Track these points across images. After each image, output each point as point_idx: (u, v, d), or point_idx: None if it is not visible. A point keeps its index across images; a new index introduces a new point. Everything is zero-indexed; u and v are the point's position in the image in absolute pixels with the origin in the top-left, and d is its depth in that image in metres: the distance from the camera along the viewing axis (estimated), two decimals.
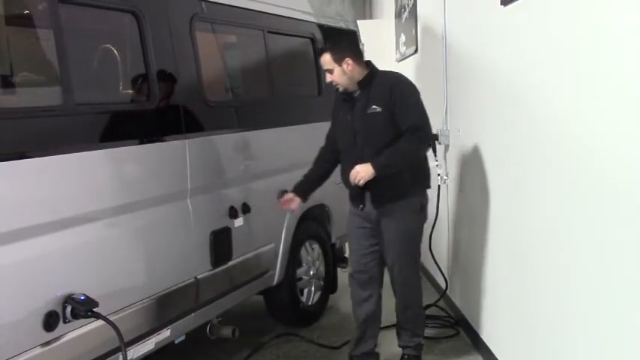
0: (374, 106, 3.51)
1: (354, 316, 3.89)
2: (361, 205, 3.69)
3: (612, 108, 2.32)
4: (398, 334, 3.91)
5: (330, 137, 3.85)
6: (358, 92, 3.59)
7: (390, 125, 3.50)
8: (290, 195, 3.80)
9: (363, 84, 3.57)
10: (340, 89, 3.63)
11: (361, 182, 3.49)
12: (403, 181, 3.56)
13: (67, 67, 2.68)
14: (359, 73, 3.57)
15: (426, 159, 3.73)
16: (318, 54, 3.65)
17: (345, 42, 3.66)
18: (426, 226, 3.82)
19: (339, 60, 3.53)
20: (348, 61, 3.52)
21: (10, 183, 2.43)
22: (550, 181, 2.89)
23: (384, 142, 3.49)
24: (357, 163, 3.51)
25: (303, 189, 3.83)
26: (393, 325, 4.03)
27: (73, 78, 2.71)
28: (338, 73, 3.54)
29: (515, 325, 3.44)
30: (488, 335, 3.95)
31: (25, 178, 2.49)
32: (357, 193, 3.66)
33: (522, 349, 3.34)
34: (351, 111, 3.61)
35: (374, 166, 3.46)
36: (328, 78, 3.62)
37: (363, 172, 3.47)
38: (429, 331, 4.47)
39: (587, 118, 2.52)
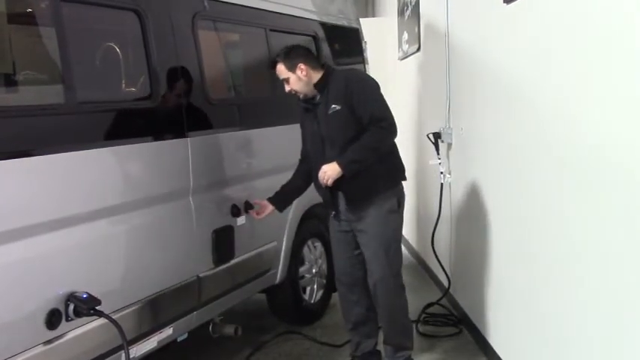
0: (333, 106, 3.47)
1: (344, 319, 3.88)
2: (333, 212, 3.67)
3: (618, 106, 2.32)
4: (384, 349, 3.80)
5: (304, 150, 3.81)
6: (318, 97, 3.56)
7: (352, 122, 3.45)
8: (264, 202, 3.73)
9: (321, 86, 3.53)
10: (301, 96, 3.58)
11: (329, 182, 3.45)
12: (375, 176, 3.51)
13: (70, 66, 2.68)
14: (315, 77, 3.53)
15: (395, 151, 3.65)
16: (271, 67, 3.62)
17: (296, 49, 3.59)
18: (428, 224, 3.81)
19: (292, 67, 3.50)
20: (301, 66, 3.49)
21: (13, 181, 2.44)
22: (554, 178, 2.88)
23: (348, 140, 3.45)
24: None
25: (279, 199, 3.78)
26: None
27: (76, 76, 2.72)
28: (294, 80, 3.51)
29: (518, 323, 3.44)
30: (491, 333, 3.95)
31: (28, 177, 2.49)
32: (329, 199, 3.63)
33: (526, 348, 3.34)
34: (316, 117, 3.57)
35: (340, 164, 3.42)
36: (286, 88, 3.56)
37: (329, 172, 3.43)
38: (431, 329, 4.48)
39: (591, 116, 2.51)
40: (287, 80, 3.54)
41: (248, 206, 3.73)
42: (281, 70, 3.54)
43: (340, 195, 3.59)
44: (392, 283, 3.63)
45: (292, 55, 3.53)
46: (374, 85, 3.57)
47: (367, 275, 3.69)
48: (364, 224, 3.58)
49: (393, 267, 3.63)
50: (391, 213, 3.60)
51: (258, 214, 3.73)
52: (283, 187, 3.80)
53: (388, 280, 3.61)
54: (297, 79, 3.51)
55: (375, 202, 3.54)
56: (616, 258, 2.35)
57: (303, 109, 3.67)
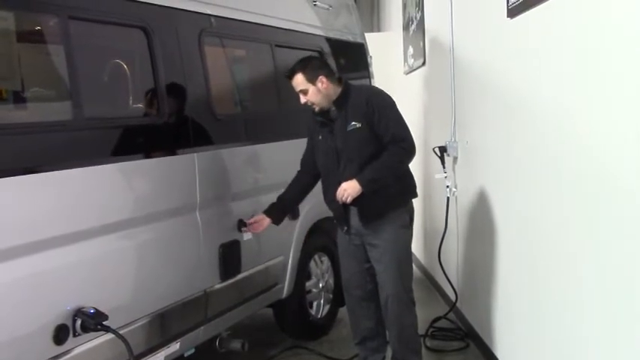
0: (353, 123, 3.46)
1: (353, 333, 3.87)
2: (345, 227, 3.66)
3: (623, 119, 2.32)
4: None
5: (306, 161, 3.77)
6: (335, 112, 3.53)
7: (372, 139, 3.46)
8: (260, 216, 3.67)
9: (340, 103, 3.51)
10: (316, 109, 3.54)
11: (349, 200, 3.45)
12: (389, 193, 3.52)
13: (77, 83, 2.71)
14: (334, 91, 3.51)
15: (409, 169, 3.66)
16: (288, 77, 3.52)
17: (316, 60, 3.56)
18: (435, 237, 3.81)
19: (312, 79, 3.46)
20: (322, 79, 3.46)
21: (21, 197, 2.46)
22: (561, 191, 2.88)
23: (366, 157, 3.45)
24: (341, 182, 3.47)
25: (277, 211, 3.72)
26: None
27: (83, 93, 2.75)
28: (313, 92, 3.47)
29: (525, 337, 3.43)
30: (498, 347, 3.93)
31: (36, 192, 2.51)
32: (341, 215, 3.63)
33: None
34: (331, 132, 3.54)
35: (360, 182, 3.42)
36: (302, 99, 3.51)
37: (350, 189, 3.42)
38: (439, 343, 4.47)
39: (598, 129, 2.51)
40: (305, 92, 3.49)
41: (242, 224, 3.66)
42: (300, 80, 3.49)
43: (353, 211, 3.58)
44: (404, 298, 3.64)
45: (313, 67, 3.51)
46: (393, 104, 3.58)
47: (379, 289, 3.68)
48: (377, 239, 3.58)
49: (405, 281, 3.64)
50: (403, 228, 3.62)
51: (254, 229, 3.66)
52: (280, 198, 3.76)
53: (400, 295, 3.62)
54: (317, 91, 3.47)
55: (388, 218, 3.55)
56: (627, 272, 2.34)
57: (317, 122, 3.63)
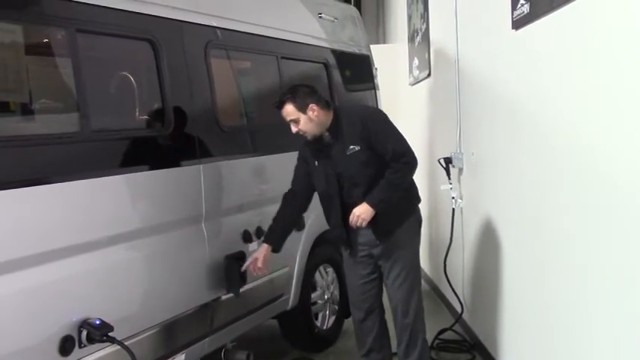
0: (352, 146, 3.44)
1: (358, 345, 3.86)
2: (349, 250, 3.68)
3: (631, 130, 2.32)
4: None
5: (298, 188, 3.68)
6: (328, 137, 3.50)
7: (372, 160, 3.45)
8: (255, 255, 3.56)
9: (334, 128, 3.48)
10: (309, 137, 3.50)
11: (364, 224, 3.46)
12: (399, 207, 3.54)
13: (85, 95, 2.74)
14: (326, 117, 3.47)
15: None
16: (277, 107, 3.45)
17: (304, 88, 3.49)
18: (440, 249, 3.81)
19: (303, 108, 3.41)
20: (313, 106, 3.41)
21: (28, 209, 2.47)
22: (566, 202, 2.88)
23: (371, 177, 3.45)
24: (346, 206, 3.48)
25: (275, 237, 3.62)
26: None
27: (90, 105, 2.77)
28: (304, 121, 3.42)
29: (531, 349, 3.41)
30: (504, 359, 3.92)
31: (42, 204, 2.53)
32: (345, 239, 3.63)
33: None
34: (329, 157, 3.51)
35: (371, 205, 3.42)
36: (294, 129, 3.46)
37: (363, 215, 3.43)
38: (445, 355, 4.45)
39: (602, 139, 2.52)
40: (296, 121, 3.45)
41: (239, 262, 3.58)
42: (290, 110, 3.44)
43: (363, 230, 3.56)
44: (414, 304, 3.65)
45: (302, 95, 3.44)
46: (387, 120, 3.57)
47: (388, 298, 3.71)
48: (389, 250, 3.60)
49: (415, 287, 3.66)
50: (415, 236, 3.67)
51: (258, 267, 3.57)
52: (276, 220, 3.65)
53: (410, 301, 3.64)
54: (308, 119, 3.43)
55: (401, 229, 3.58)
56: (634, 283, 2.33)
57: (312, 149, 3.59)
